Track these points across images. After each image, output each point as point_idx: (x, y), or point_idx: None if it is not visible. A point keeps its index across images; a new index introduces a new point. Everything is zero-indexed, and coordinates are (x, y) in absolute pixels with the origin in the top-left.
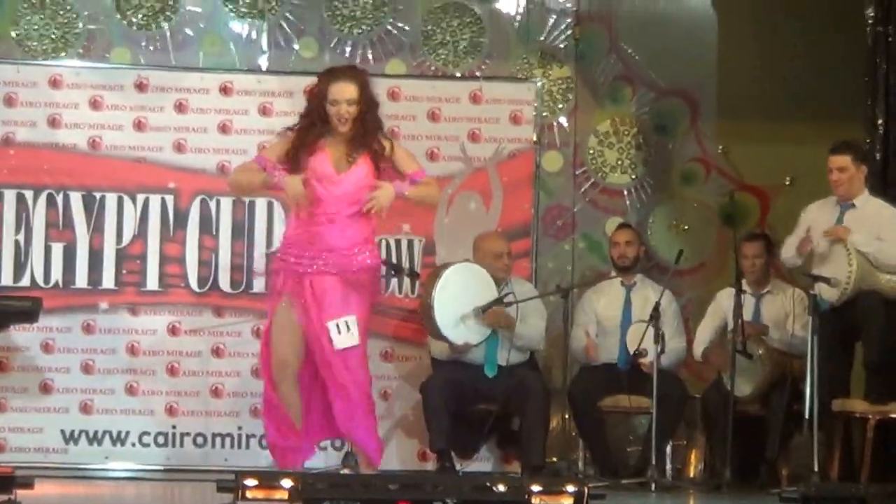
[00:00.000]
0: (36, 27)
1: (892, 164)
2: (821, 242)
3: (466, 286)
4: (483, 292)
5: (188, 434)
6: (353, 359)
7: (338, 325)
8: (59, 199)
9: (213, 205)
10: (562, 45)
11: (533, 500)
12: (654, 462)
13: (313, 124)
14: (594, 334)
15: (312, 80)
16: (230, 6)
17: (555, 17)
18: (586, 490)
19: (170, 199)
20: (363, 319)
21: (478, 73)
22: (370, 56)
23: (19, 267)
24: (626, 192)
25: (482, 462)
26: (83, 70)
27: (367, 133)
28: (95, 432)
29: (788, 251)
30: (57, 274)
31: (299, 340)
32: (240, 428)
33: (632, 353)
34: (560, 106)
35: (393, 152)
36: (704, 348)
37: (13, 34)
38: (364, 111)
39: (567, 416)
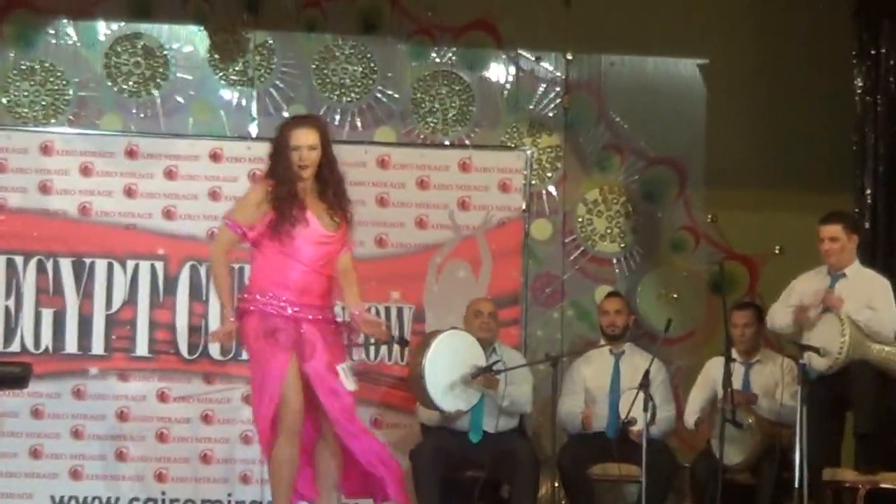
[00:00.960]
0: (26, 93)
1: (880, 233)
2: (811, 310)
3: (455, 354)
4: (472, 359)
5: (177, 500)
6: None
7: (344, 370)
8: (50, 264)
9: (202, 271)
10: (551, 114)
11: None
12: None
13: (282, 179)
14: (581, 403)
15: None
16: (220, 74)
17: (544, 85)
18: None
19: (160, 265)
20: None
21: (467, 142)
22: (359, 123)
23: (9, 332)
24: (615, 261)
25: None
26: (74, 137)
27: (336, 194)
28: (85, 498)
29: (777, 319)
30: (47, 339)
31: (302, 388)
32: (229, 495)
33: (621, 421)
34: (549, 174)
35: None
36: (697, 418)
37: (3, 100)
38: (324, 162)
39: (556, 485)
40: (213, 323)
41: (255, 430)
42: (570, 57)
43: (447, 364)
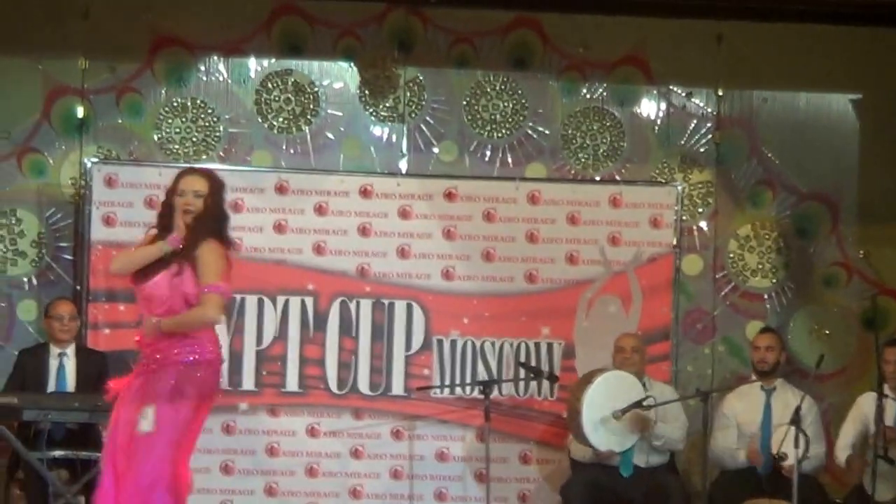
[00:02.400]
0: (178, 130)
1: None
2: None
3: (615, 393)
4: (631, 398)
5: None
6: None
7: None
8: None
9: (352, 306)
10: (702, 149)
11: None
12: None
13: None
14: (735, 438)
15: (450, 182)
16: (370, 110)
17: (695, 121)
18: None
19: (309, 300)
20: None
21: (618, 177)
22: (510, 159)
23: None
24: (766, 296)
25: None
26: (224, 173)
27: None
28: None
29: None
30: None
31: None
32: None
33: (773, 456)
34: (700, 210)
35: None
36: (848, 455)
37: (155, 137)
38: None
39: None
40: (363, 359)
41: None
42: (721, 93)
43: (606, 402)
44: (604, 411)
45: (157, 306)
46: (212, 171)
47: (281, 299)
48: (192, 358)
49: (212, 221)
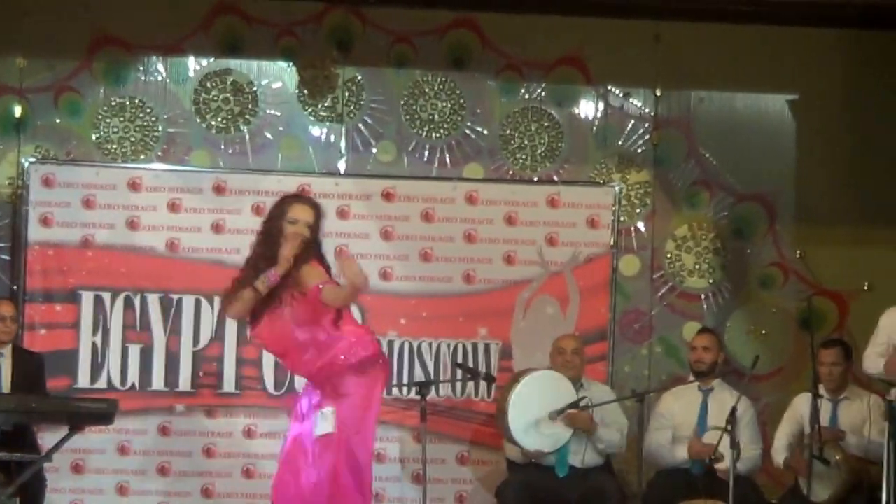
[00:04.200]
0: (116, 130)
1: None
2: None
3: (544, 393)
4: (561, 399)
5: None
6: None
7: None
8: (137, 301)
9: None
10: (640, 150)
11: None
12: None
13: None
14: (670, 438)
15: (389, 182)
16: (309, 110)
17: (633, 121)
18: None
19: None
20: None
21: (556, 178)
22: (448, 160)
23: (96, 369)
24: (703, 297)
25: None
26: (162, 173)
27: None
28: None
29: (868, 365)
30: (133, 376)
31: None
32: None
33: (708, 457)
34: (638, 210)
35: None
36: (786, 457)
37: (93, 137)
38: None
39: None
40: None
41: None
42: (659, 93)
43: (534, 402)
44: (532, 410)
45: (280, 350)
46: (313, 198)
47: (218, 300)
48: (357, 359)
49: (315, 247)
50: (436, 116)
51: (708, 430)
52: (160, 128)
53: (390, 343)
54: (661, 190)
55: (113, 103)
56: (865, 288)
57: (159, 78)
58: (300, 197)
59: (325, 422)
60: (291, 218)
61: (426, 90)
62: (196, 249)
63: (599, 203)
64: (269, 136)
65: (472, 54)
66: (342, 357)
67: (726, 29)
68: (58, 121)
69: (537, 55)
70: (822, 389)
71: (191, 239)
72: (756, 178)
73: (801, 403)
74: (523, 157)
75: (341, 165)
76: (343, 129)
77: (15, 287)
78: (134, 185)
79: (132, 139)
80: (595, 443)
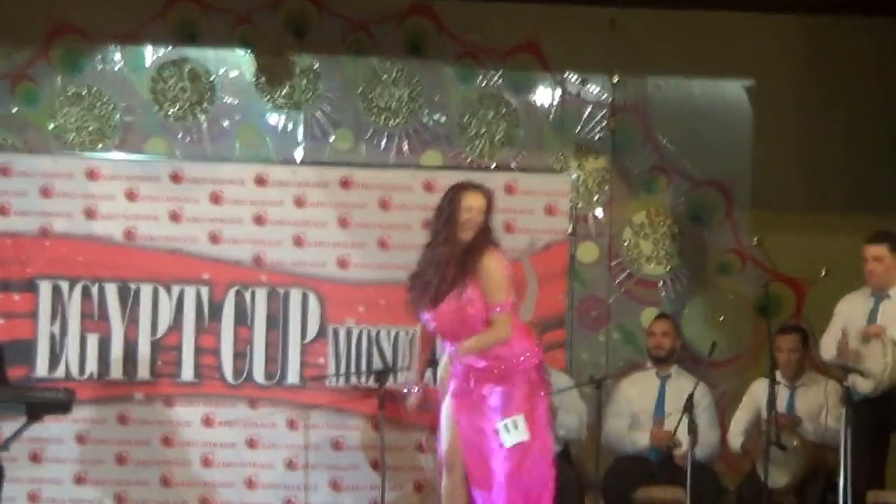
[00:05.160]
0: (73, 119)
1: None
2: (855, 337)
3: None
4: None
5: None
6: None
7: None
8: (95, 290)
9: (247, 296)
10: (597, 137)
11: None
12: None
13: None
14: (628, 425)
15: (346, 170)
16: (266, 98)
17: (590, 108)
18: None
19: (205, 290)
20: None
21: (513, 165)
22: (406, 147)
23: (54, 358)
24: (661, 283)
25: None
26: (119, 162)
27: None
28: None
29: (828, 351)
30: (92, 365)
31: None
32: None
33: (666, 444)
34: (595, 197)
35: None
36: (743, 441)
37: (50, 126)
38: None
39: None
40: (259, 348)
41: None
42: (616, 80)
43: None
44: None
45: (447, 333)
46: (484, 186)
47: (176, 288)
48: (535, 361)
49: (489, 233)
50: (393, 104)
51: (666, 416)
52: (117, 116)
53: (349, 331)
54: (618, 177)
55: (70, 92)
56: (823, 275)
57: (116, 67)
58: (472, 184)
59: (516, 430)
60: (466, 206)
61: (383, 77)
62: (154, 238)
63: (557, 190)
64: (226, 124)
65: (429, 42)
66: (522, 359)
67: (683, 15)
68: (14, 110)
69: (494, 42)
70: (779, 376)
71: (148, 227)
72: (713, 164)
73: (758, 389)
74: (481, 144)
75: (298, 154)
76: (300, 117)
77: None
78: (91, 174)
79: (89, 128)
80: (556, 429)
